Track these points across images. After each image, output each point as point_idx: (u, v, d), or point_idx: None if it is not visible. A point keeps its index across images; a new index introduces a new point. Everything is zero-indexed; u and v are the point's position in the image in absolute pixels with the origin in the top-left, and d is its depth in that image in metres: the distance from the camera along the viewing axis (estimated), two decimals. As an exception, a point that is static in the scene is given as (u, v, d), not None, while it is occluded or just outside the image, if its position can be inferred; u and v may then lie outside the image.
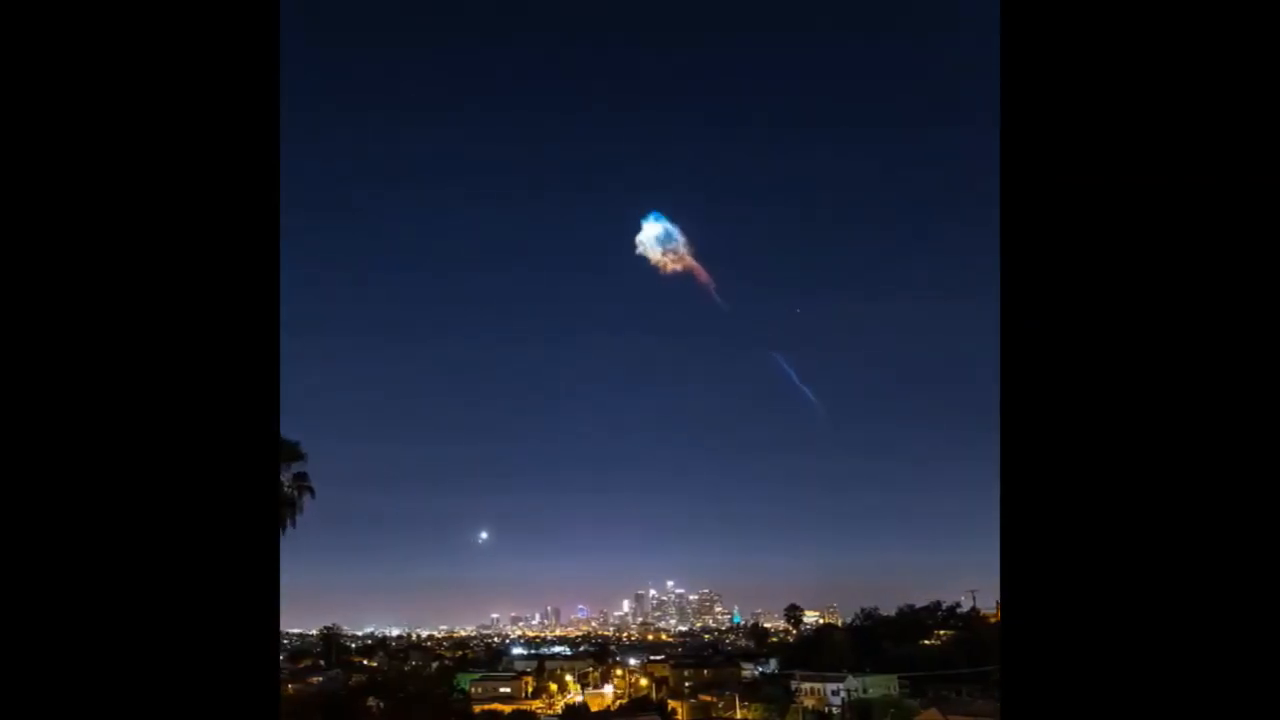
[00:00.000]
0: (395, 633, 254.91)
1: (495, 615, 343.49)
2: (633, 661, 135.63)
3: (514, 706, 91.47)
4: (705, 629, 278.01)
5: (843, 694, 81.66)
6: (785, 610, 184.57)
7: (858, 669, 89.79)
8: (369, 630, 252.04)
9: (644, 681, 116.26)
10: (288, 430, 58.27)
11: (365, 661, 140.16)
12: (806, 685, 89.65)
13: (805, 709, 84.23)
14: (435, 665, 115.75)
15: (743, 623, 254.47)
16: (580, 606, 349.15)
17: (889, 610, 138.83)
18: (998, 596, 3.79)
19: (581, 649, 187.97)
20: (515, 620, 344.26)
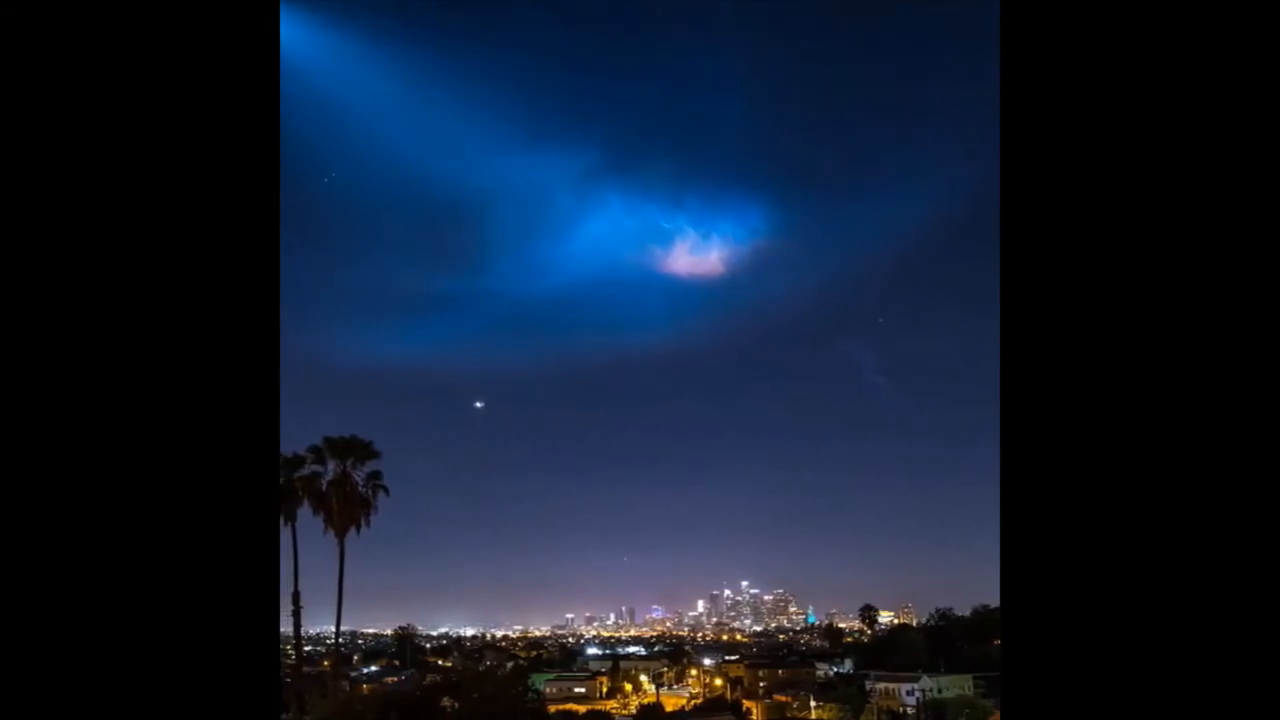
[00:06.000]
0: (470, 633, 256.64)
1: (570, 615, 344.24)
2: (708, 661, 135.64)
3: (589, 706, 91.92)
4: (780, 629, 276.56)
5: (918, 694, 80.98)
6: (860, 610, 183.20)
7: (933, 669, 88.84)
8: (443, 630, 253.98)
9: (719, 681, 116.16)
10: (365, 431, 59.16)
11: (440, 661, 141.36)
12: (881, 685, 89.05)
13: (880, 709, 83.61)
14: (510, 665, 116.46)
15: (817, 623, 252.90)
16: (655, 606, 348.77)
17: (964, 610, 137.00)
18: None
19: (656, 649, 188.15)
20: (590, 620, 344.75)
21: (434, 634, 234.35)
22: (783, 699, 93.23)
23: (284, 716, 57.37)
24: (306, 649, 77.20)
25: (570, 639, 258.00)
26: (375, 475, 57.56)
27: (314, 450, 56.73)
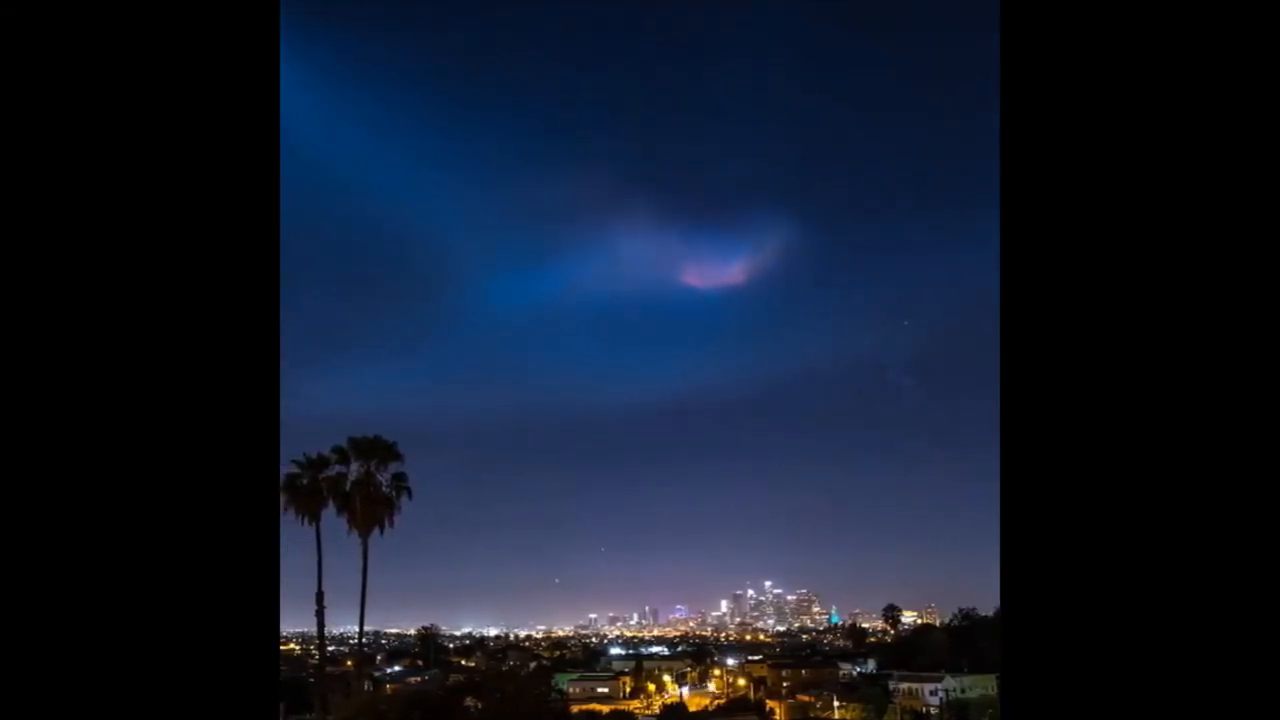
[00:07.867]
0: (493, 632, 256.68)
1: (593, 615, 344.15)
2: (731, 661, 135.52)
3: (612, 706, 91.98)
4: (803, 629, 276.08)
5: (941, 694, 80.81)
6: (883, 610, 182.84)
7: (956, 669, 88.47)
8: (467, 630, 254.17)
9: (742, 681, 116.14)
10: (390, 433, 59.28)
11: (463, 661, 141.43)
12: (905, 685, 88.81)
13: (903, 709, 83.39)
14: (533, 665, 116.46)
15: (841, 623, 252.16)
16: (678, 606, 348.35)
17: (987, 610, 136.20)
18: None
19: (680, 649, 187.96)
20: (613, 620, 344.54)
21: (457, 634, 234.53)
22: (806, 699, 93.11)
23: (308, 716, 57.73)
24: (330, 648, 77.59)
25: (593, 639, 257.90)
26: (399, 477, 57.64)
27: (338, 451, 56.93)
